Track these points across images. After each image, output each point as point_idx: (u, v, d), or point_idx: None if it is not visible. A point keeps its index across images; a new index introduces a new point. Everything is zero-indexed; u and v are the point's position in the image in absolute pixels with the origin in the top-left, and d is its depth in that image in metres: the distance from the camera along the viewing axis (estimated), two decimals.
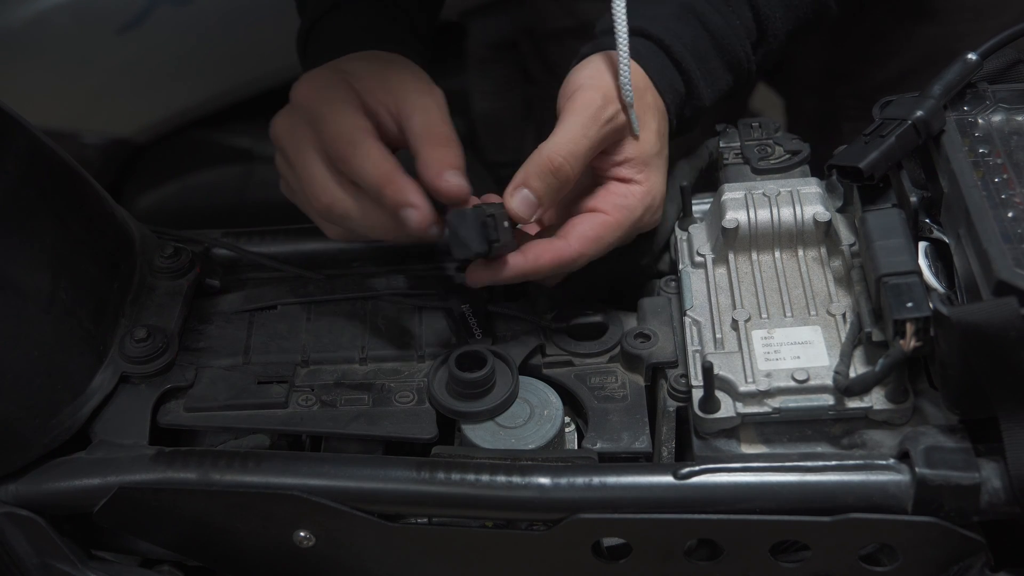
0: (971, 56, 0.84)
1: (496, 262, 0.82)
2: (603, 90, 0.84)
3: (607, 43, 0.87)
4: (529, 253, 0.83)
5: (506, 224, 0.81)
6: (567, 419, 0.84)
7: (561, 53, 1.08)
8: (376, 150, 0.81)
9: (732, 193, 0.87)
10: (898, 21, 1.27)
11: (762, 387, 0.77)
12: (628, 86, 0.84)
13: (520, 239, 0.85)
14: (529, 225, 0.85)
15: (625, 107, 0.84)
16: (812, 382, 0.77)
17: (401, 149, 0.85)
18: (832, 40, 1.33)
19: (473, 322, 0.88)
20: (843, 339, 0.79)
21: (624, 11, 0.83)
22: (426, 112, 0.83)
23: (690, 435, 0.79)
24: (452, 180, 0.80)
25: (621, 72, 0.84)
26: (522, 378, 0.84)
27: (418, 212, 0.79)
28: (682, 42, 0.88)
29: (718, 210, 0.87)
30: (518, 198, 0.81)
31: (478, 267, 0.82)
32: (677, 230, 0.91)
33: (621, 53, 0.83)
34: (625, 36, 0.83)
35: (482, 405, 0.81)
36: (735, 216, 0.85)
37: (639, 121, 0.85)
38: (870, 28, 1.28)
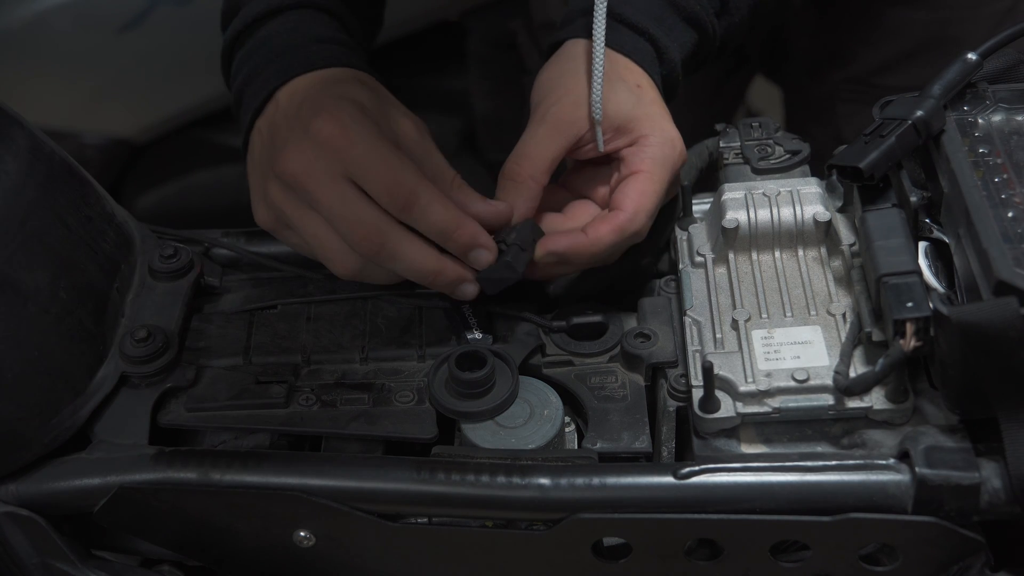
0: (971, 56, 0.84)
1: (561, 253, 0.84)
2: (571, 97, 0.86)
3: (577, 31, 0.89)
4: (591, 232, 0.84)
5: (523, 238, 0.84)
6: (567, 419, 0.84)
7: None
8: (438, 195, 0.80)
9: (732, 193, 0.87)
10: (892, 5, 1.27)
11: (762, 387, 0.77)
12: (599, 104, 0.85)
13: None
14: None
15: (592, 122, 0.86)
16: (812, 382, 0.77)
17: None
18: (827, 23, 1.34)
19: (473, 322, 0.88)
20: (843, 339, 0.79)
21: (603, 28, 0.85)
22: (424, 149, 0.84)
23: (690, 435, 0.79)
24: (488, 208, 0.84)
25: (593, 91, 0.85)
26: (522, 378, 0.84)
27: (488, 253, 0.83)
28: (633, 7, 0.89)
29: (718, 210, 0.87)
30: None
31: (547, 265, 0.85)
32: (677, 230, 0.91)
33: (596, 71, 0.85)
34: (601, 55, 0.85)
35: (482, 405, 0.81)
36: (735, 216, 0.85)
37: (614, 88, 0.87)
38: (865, 12, 1.29)
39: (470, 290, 0.84)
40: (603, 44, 0.85)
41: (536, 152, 0.86)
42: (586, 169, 0.91)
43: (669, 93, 0.92)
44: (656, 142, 0.87)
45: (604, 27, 0.85)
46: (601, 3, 0.85)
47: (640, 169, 0.86)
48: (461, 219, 0.81)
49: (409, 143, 0.84)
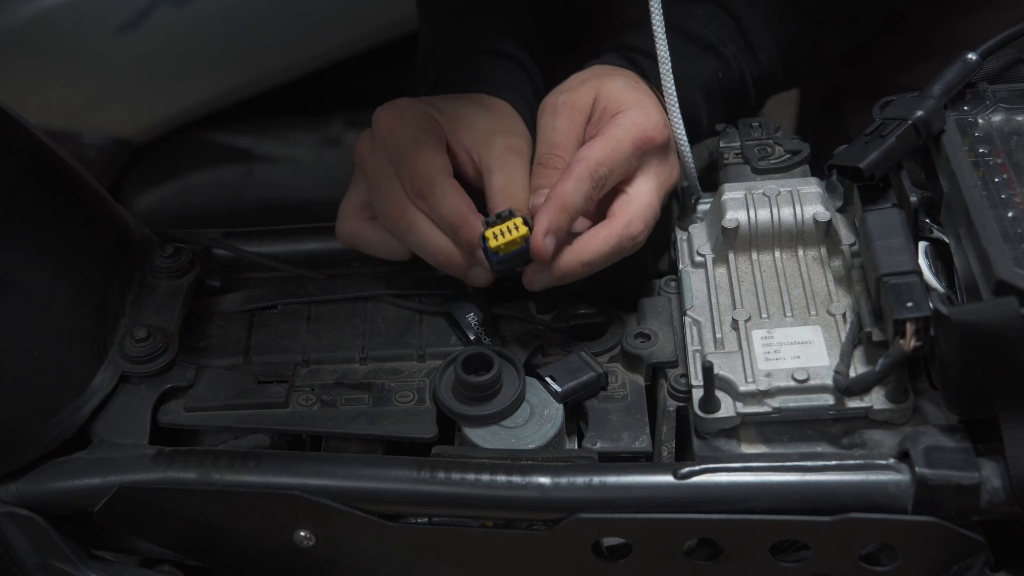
0: (971, 56, 0.84)
1: (549, 265, 0.83)
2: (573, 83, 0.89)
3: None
4: (577, 245, 0.83)
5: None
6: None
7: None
8: (452, 190, 0.84)
9: (732, 193, 0.87)
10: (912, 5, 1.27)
11: (762, 387, 0.77)
12: (684, 142, 0.89)
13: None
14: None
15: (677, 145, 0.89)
16: (812, 382, 0.77)
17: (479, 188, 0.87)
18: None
19: (480, 330, 0.87)
20: (843, 339, 0.79)
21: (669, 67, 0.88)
22: (508, 174, 0.85)
23: (690, 435, 0.79)
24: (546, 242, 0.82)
25: (675, 129, 0.89)
26: None
27: (485, 272, 0.84)
28: (643, 37, 0.91)
29: (718, 210, 0.87)
30: (546, 243, 0.82)
31: (536, 273, 0.84)
32: (677, 230, 0.91)
33: (671, 107, 0.88)
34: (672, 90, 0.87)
35: (489, 408, 0.81)
36: (735, 216, 0.85)
37: (612, 80, 0.89)
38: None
39: (481, 275, 0.85)
40: (670, 69, 0.87)
41: (554, 137, 0.87)
42: None
43: (689, 126, 0.91)
44: (632, 114, 0.86)
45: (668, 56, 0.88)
46: (659, 17, 0.87)
47: (605, 133, 0.86)
48: (469, 218, 0.83)
49: (485, 170, 0.86)
